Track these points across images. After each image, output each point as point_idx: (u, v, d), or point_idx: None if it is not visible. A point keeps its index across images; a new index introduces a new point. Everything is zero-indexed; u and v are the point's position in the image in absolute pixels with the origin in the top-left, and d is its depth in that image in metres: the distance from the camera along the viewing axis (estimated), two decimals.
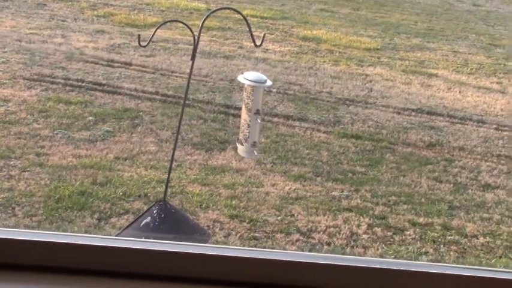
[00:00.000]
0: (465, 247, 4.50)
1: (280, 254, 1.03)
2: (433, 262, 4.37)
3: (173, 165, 4.80)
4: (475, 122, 6.48)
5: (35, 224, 4.37)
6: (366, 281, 1.00)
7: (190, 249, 1.04)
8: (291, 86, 6.86)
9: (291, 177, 4.97)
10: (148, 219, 2.82)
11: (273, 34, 8.61)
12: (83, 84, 6.29)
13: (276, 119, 6.00)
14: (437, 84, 7.46)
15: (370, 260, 1.01)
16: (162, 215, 2.82)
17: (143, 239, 1.04)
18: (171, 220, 2.84)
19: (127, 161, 4.96)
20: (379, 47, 8.63)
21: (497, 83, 7.79)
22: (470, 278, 1.00)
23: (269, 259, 1.00)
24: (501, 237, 4.54)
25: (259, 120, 2.82)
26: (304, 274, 1.00)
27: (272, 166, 5.11)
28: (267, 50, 7.95)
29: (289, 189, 4.81)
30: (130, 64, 6.96)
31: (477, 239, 4.58)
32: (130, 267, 1.01)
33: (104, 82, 6.39)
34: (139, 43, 2.78)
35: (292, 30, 9.01)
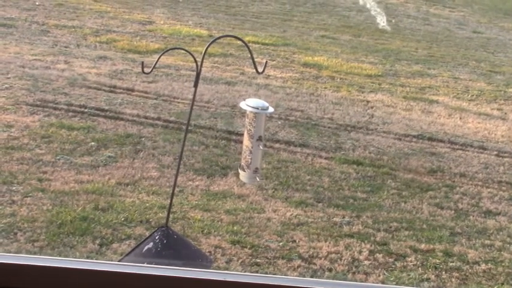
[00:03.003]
0: (467, 274, 4.49)
1: (280, 280, 1.05)
2: None
3: (175, 191, 4.81)
4: (476, 148, 6.50)
5: (36, 249, 4.37)
6: None
7: (192, 275, 1.05)
8: (293, 112, 6.89)
9: (293, 203, 4.97)
10: (151, 244, 2.83)
11: (274, 60, 8.67)
12: (85, 110, 6.32)
13: (277, 145, 6.02)
14: (438, 111, 7.49)
15: (370, 286, 1.02)
16: (164, 241, 2.82)
17: (145, 265, 1.05)
18: (173, 246, 2.84)
19: (129, 186, 4.97)
20: (380, 74, 8.68)
21: (497, 109, 7.83)
22: None
23: (270, 284, 1.02)
24: (503, 264, 4.54)
25: (261, 147, 2.84)
26: None
27: (273, 192, 5.12)
28: (269, 76, 8.00)
29: (291, 215, 4.81)
30: (132, 90, 7.00)
31: (479, 265, 4.58)
32: None
33: (106, 108, 6.42)
34: (142, 70, 2.81)
35: (293, 56, 9.07)
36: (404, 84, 8.38)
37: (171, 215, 4.53)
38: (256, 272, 4.28)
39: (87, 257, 4.40)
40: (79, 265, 1.06)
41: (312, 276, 4.42)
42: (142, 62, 2.99)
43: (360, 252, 4.49)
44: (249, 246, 4.42)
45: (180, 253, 2.83)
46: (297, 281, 1.08)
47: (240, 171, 2.90)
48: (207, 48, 3.01)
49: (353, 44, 10.24)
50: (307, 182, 5.35)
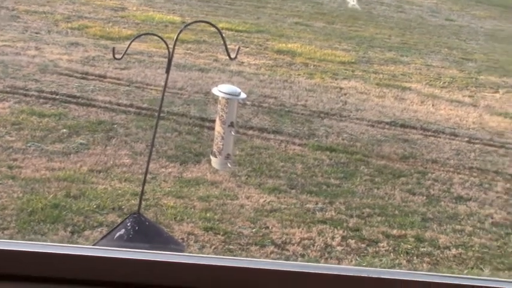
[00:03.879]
0: (438, 258, 4.53)
1: (253, 262, 1.04)
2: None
3: (148, 178, 4.79)
4: (448, 134, 6.55)
5: (6, 237, 4.32)
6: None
7: (164, 258, 1.04)
8: (266, 98, 6.88)
9: (266, 190, 4.98)
10: (122, 231, 2.81)
11: (247, 47, 8.64)
12: (57, 96, 6.26)
13: (250, 132, 6.01)
14: (410, 98, 7.53)
15: (341, 268, 1.02)
16: (136, 227, 2.81)
17: (117, 248, 1.04)
18: (145, 232, 2.83)
19: (101, 173, 4.94)
20: (353, 61, 8.70)
21: (469, 96, 7.89)
22: (441, 285, 1.02)
23: (243, 267, 1.01)
24: (473, 249, 4.59)
25: (233, 133, 2.83)
26: (276, 282, 1.01)
27: (247, 178, 5.11)
28: (242, 63, 7.97)
29: (264, 201, 4.82)
30: (104, 77, 6.94)
31: (449, 250, 4.62)
32: (105, 275, 1.01)
33: (78, 95, 6.36)
34: (113, 56, 2.79)
35: (267, 43, 9.05)
36: (377, 71, 8.40)
37: (143, 202, 4.51)
38: None
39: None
40: (51, 249, 1.05)
41: (287, 259, 4.43)
42: (114, 48, 2.97)
43: (333, 238, 4.51)
44: (222, 233, 4.42)
45: (152, 239, 2.81)
46: (268, 264, 1.07)
47: (211, 157, 2.90)
48: (179, 33, 2.99)
49: (326, 31, 10.25)
50: (281, 169, 5.36)
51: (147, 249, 2.88)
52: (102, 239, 2.97)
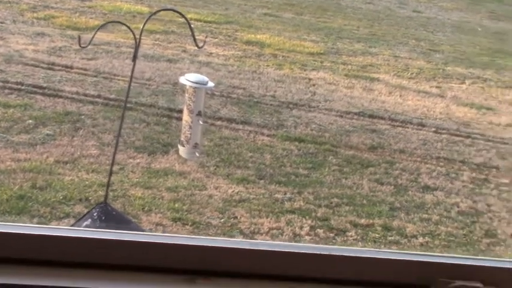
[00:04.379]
0: (405, 247, 4.58)
1: (220, 242, 1.04)
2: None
3: (115, 169, 4.75)
4: (415, 125, 6.60)
5: None
6: (295, 265, 1.02)
7: (127, 237, 1.03)
8: (235, 89, 6.87)
9: (234, 180, 4.97)
10: (89, 221, 2.79)
11: (216, 38, 8.61)
12: (23, 87, 6.17)
13: (219, 122, 6.00)
14: (378, 88, 7.57)
15: (298, 246, 1.03)
16: (103, 217, 2.78)
17: (82, 228, 1.02)
18: (111, 222, 2.80)
19: (68, 164, 4.89)
20: (322, 52, 8.72)
21: (436, 87, 7.96)
22: (388, 261, 1.03)
23: (209, 246, 1.01)
24: (439, 237, 4.64)
25: (201, 122, 2.82)
26: (234, 259, 1.01)
27: (215, 169, 5.10)
28: (211, 53, 7.95)
29: (233, 192, 4.81)
30: (71, 67, 6.86)
31: (416, 239, 4.67)
32: (68, 256, 1.00)
33: (44, 85, 6.29)
34: (79, 44, 2.76)
35: (236, 34, 9.03)
36: (346, 62, 8.43)
37: (111, 193, 4.47)
38: None
39: None
40: (27, 230, 1.03)
41: None
42: (79, 36, 2.93)
43: (301, 227, 4.52)
44: (190, 223, 4.40)
45: (119, 229, 2.79)
46: (235, 243, 1.07)
47: (179, 146, 2.88)
48: (146, 21, 2.96)
49: (295, 22, 10.25)
50: (249, 159, 5.35)
51: None
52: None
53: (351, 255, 1.04)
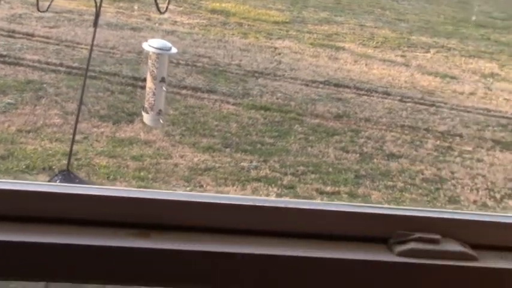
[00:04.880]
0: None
1: (166, 194, 1.03)
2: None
3: (80, 138, 4.69)
4: (381, 93, 6.62)
5: None
6: (245, 218, 1.02)
7: (77, 191, 1.01)
8: (200, 58, 6.81)
9: (200, 149, 4.94)
10: None
11: (181, 7, 8.50)
12: None
13: (184, 91, 5.94)
14: (344, 57, 7.57)
15: (250, 199, 1.03)
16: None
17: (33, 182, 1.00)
18: None
19: (30, 133, 4.81)
20: (287, 20, 8.68)
21: (401, 56, 7.98)
22: (336, 213, 1.04)
23: (156, 199, 1.00)
24: (404, 204, 4.68)
25: (164, 88, 2.78)
26: (190, 212, 1.01)
27: (181, 138, 5.07)
28: (176, 22, 7.85)
29: (198, 160, 4.79)
30: (32, 35, 6.73)
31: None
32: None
33: (4, 53, 6.15)
34: (37, 8, 2.69)
35: (200, 2, 8.93)
36: (311, 31, 8.40)
37: (75, 162, 4.42)
38: None
39: None
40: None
41: None
42: (37, 0, 2.85)
43: (267, 195, 4.52)
44: None
45: None
46: (182, 196, 1.06)
47: (143, 113, 2.85)
48: None
49: None
50: (215, 128, 5.33)
51: None
52: None
53: (304, 207, 1.03)
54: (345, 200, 4.64)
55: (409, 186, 4.89)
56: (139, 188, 4.35)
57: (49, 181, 2.81)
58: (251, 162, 4.88)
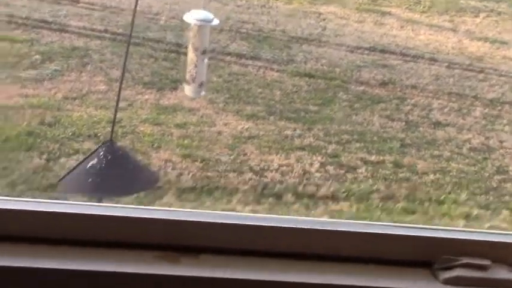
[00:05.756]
0: (416, 184, 4.55)
1: (205, 216, 0.96)
2: (383, 200, 4.41)
3: (124, 105, 4.72)
4: (427, 60, 6.49)
5: None
6: (291, 241, 0.95)
7: (104, 212, 0.96)
8: (244, 24, 6.75)
9: (244, 116, 4.93)
10: (95, 161, 2.75)
11: None
12: (28, 21, 6.08)
13: (228, 58, 5.91)
14: (390, 23, 7.43)
15: (297, 220, 0.96)
16: (109, 157, 2.75)
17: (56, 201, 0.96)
18: (117, 162, 2.77)
19: (76, 100, 4.85)
20: None
21: (449, 21, 7.80)
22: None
23: (186, 220, 0.93)
24: (450, 174, 4.61)
25: (206, 60, 2.76)
26: (227, 234, 0.94)
27: (224, 105, 5.05)
28: None
29: (242, 128, 4.77)
30: (77, 1, 6.74)
31: (427, 175, 4.64)
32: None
33: (50, 20, 6.19)
34: None
35: None
36: None
37: (119, 130, 4.45)
38: (207, 185, 4.25)
39: (34, 172, 4.30)
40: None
41: (263, 189, 4.40)
42: None
43: (311, 164, 4.50)
44: (199, 160, 4.38)
45: (125, 169, 2.76)
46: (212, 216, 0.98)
47: (185, 85, 2.83)
48: None
49: None
50: (259, 95, 5.29)
51: (120, 181, 2.82)
52: (74, 169, 2.92)
53: (348, 230, 0.96)
54: (389, 169, 4.59)
55: (456, 156, 4.81)
56: (183, 155, 4.37)
57: (93, 153, 2.83)
58: (295, 130, 4.86)
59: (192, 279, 0.89)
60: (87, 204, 0.98)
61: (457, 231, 0.98)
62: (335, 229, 0.95)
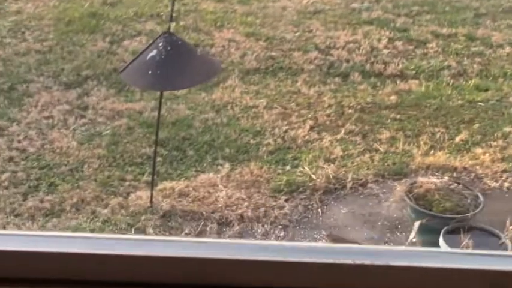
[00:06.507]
0: (489, 58, 4.34)
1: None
2: (454, 76, 4.23)
3: None
4: None
5: (46, 49, 4.26)
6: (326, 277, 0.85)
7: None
8: None
9: None
10: (154, 52, 2.70)
11: None
12: None
13: None
14: None
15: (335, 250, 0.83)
16: (168, 48, 2.70)
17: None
18: (177, 52, 2.71)
19: None
20: None
21: None
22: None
23: (218, 258, 0.83)
24: None
25: None
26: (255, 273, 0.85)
27: None
28: None
29: (307, 2, 4.61)
30: None
31: (503, 48, 4.41)
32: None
33: None
34: None
35: None
36: None
37: (182, 8, 4.36)
38: (271, 65, 4.16)
39: (98, 56, 4.27)
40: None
41: (328, 68, 4.28)
42: None
43: (379, 40, 4.34)
44: (263, 39, 4.28)
45: (185, 60, 2.70)
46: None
47: None
48: None
49: None
50: None
51: (180, 73, 2.77)
52: (134, 60, 2.88)
53: (410, 265, 0.83)
54: (461, 43, 4.39)
55: None
56: (247, 34, 4.27)
57: (151, 44, 2.77)
58: (362, 2, 4.66)
59: None
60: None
61: None
62: (387, 264, 0.82)
